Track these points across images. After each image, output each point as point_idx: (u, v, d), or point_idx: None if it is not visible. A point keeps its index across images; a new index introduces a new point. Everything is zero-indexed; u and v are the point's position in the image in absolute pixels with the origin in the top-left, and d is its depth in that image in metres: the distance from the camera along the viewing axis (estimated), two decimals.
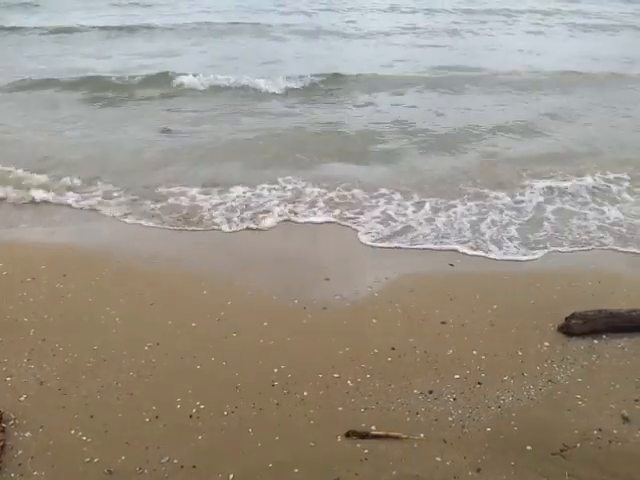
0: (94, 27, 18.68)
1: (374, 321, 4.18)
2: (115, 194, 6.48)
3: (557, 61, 14.78)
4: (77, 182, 6.73)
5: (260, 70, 12.74)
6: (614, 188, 6.76)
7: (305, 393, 3.47)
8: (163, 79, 11.84)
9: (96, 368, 3.63)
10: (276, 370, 3.65)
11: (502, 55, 16.06)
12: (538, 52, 16.52)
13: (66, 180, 6.73)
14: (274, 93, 11.35)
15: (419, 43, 17.55)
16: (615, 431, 3.22)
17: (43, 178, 6.80)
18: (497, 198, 6.47)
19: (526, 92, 11.76)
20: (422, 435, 3.20)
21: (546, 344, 3.92)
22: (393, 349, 3.86)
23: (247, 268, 4.99)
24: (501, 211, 6.17)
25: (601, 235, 5.66)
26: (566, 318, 4.06)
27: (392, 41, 17.76)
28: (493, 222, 5.91)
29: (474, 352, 3.84)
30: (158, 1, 26.29)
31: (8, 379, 3.52)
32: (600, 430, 3.23)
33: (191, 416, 3.29)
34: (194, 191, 6.55)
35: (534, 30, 21.09)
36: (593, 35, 20.52)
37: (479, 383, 3.56)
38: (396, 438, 3.17)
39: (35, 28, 18.15)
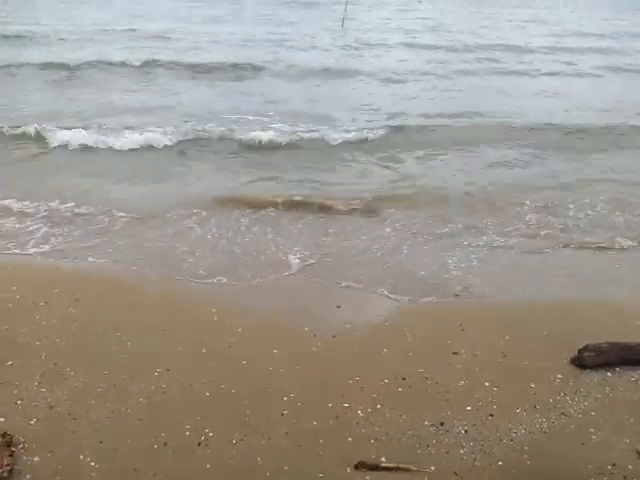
0: None
1: (385, 350, 4.16)
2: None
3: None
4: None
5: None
6: None
7: (314, 422, 3.44)
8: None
9: (106, 393, 3.63)
10: (285, 398, 3.63)
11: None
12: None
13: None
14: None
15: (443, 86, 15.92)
16: (630, 466, 3.17)
17: None
18: None
19: None
20: (433, 468, 3.16)
21: (559, 376, 3.88)
22: (404, 379, 3.83)
23: (257, 295, 5.01)
24: None
25: None
26: (579, 350, 4.03)
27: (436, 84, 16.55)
28: None
29: (486, 383, 3.80)
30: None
31: (19, 402, 3.52)
32: (614, 465, 3.17)
33: (200, 444, 3.27)
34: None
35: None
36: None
37: (491, 415, 3.52)
38: (407, 470, 3.13)
39: None
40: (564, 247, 6.21)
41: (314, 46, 22.52)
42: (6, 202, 6.82)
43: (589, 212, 7.10)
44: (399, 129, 10.67)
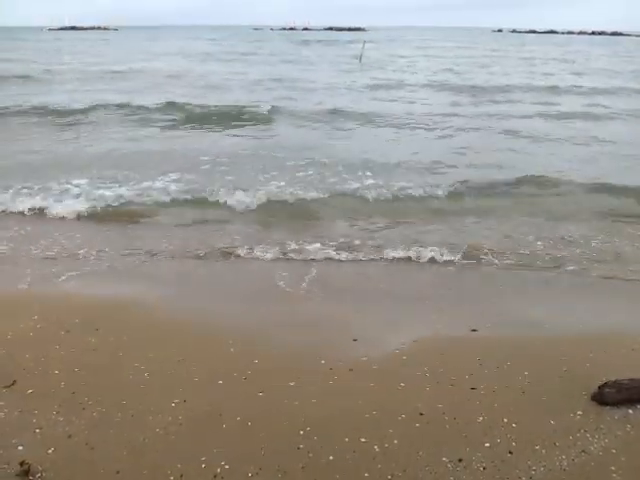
0: None
1: (402, 385, 4.14)
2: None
3: None
4: None
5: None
6: None
7: (331, 457, 3.41)
8: None
9: (123, 423, 3.64)
10: (302, 432, 3.61)
11: None
12: None
13: None
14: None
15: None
16: None
17: None
18: None
19: None
20: None
21: (579, 413, 3.82)
22: (421, 414, 3.80)
23: (274, 326, 5.03)
24: None
25: None
26: (599, 387, 3.97)
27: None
28: None
29: (505, 420, 3.75)
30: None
31: (37, 431, 3.54)
32: None
33: (215, 476, 3.25)
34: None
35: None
36: None
37: (510, 452, 3.46)
38: None
39: None
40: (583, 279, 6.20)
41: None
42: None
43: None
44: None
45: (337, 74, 31.21)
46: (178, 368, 4.28)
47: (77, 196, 9.04)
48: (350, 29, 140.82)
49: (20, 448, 3.40)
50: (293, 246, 7.12)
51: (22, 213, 8.34)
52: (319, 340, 4.80)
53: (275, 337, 4.82)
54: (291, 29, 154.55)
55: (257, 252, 6.94)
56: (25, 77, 26.73)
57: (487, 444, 3.53)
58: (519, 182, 10.32)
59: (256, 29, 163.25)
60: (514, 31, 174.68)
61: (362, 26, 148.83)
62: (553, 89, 25.57)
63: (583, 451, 3.47)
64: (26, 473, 3.17)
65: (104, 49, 56.29)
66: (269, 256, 6.87)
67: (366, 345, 4.71)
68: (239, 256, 6.91)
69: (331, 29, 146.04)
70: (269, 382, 4.13)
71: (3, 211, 8.37)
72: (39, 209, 8.43)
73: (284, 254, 6.95)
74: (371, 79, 28.63)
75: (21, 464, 3.22)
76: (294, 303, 5.68)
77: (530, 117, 18.49)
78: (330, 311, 5.48)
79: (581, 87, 26.40)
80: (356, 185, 9.98)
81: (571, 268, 6.65)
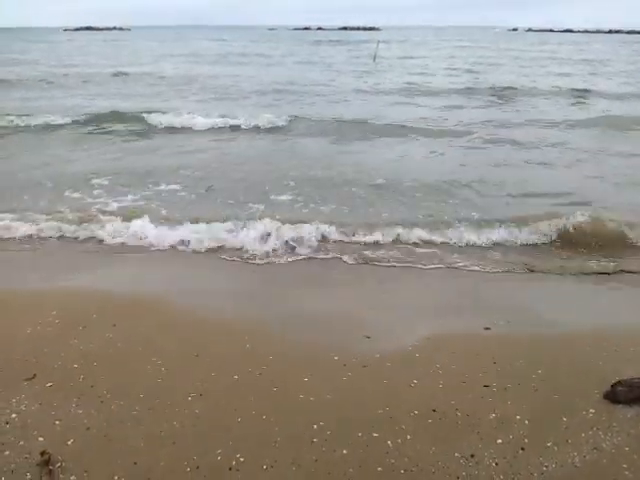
0: None
1: (415, 382, 4.17)
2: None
3: None
4: None
5: None
6: None
7: (344, 451, 3.46)
8: None
9: (141, 416, 3.71)
10: (315, 427, 3.66)
11: None
12: None
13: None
14: None
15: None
16: None
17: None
18: None
19: None
20: None
21: (591, 411, 3.83)
22: (434, 411, 3.83)
23: (288, 323, 5.08)
24: None
25: None
26: (612, 385, 3.98)
27: None
28: None
29: (517, 417, 3.77)
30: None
31: (57, 422, 3.62)
32: None
33: (230, 468, 3.31)
34: None
35: None
36: None
37: (522, 449, 3.49)
38: None
39: None
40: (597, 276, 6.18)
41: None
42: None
43: None
44: None
45: (353, 76, 30.87)
46: (195, 363, 4.35)
47: None
48: (365, 28, 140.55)
49: (40, 439, 3.48)
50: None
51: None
52: (333, 337, 4.85)
53: (289, 334, 4.87)
54: (305, 29, 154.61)
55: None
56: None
57: (499, 440, 3.55)
58: None
59: (270, 29, 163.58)
60: (529, 30, 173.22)
61: (376, 25, 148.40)
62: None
63: (595, 448, 3.48)
64: (46, 463, 3.25)
65: (115, 50, 56.63)
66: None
67: (379, 342, 4.74)
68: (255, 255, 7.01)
69: (345, 29, 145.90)
70: (283, 377, 4.18)
71: None
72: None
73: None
74: (390, 81, 28.04)
75: (42, 454, 3.31)
76: (306, 301, 5.74)
77: None
78: (343, 308, 5.52)
79: None
80: None
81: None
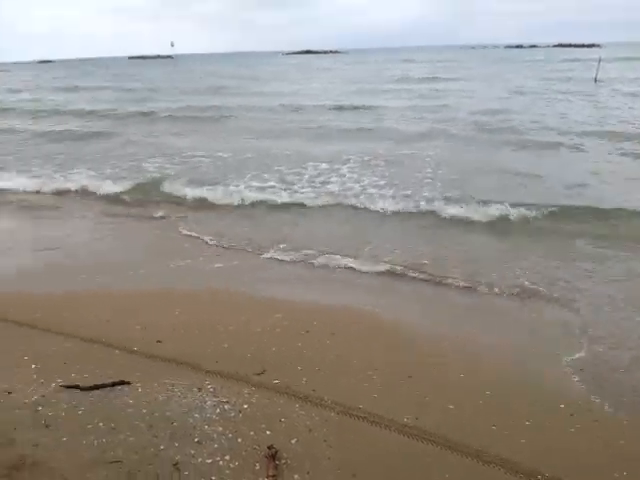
0: None
1: None
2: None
3: None
4: None
5: None
6: None
7: None
8: None
9: (360, 426, 3.81)
10: None
11: None
12: None
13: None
14: None
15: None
16: None
17: None
18: None
19: None
20: None
21: None
22: None
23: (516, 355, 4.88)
24: None
25: None
26: None
27: None
28: None
29: None
30: None
31: (282, 420, 3.86)
32: None
33: None
34: None
35: None
36: None
37: None
38: None
39: None
40: None
41: None
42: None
43: None
44: None
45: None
46: (408, 384, 4.34)
47: None
48: (583, 45, 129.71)
49: (268, 433, 3.73)
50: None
51: None
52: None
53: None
54: (518, 47, 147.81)
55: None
56: None
57: None
58: None
59: (473, 47, 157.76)
60: None
61: (597, 42, 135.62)
62: None
63: None
64: (273, 457, 3.47)
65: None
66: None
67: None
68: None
69: (561, 45, 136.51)
70: (503, 415, 4.00)
71: None
72: None
73: None
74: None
75: (269, 447, 3.54)
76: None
77: None
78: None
79: None
80: None
81: None
